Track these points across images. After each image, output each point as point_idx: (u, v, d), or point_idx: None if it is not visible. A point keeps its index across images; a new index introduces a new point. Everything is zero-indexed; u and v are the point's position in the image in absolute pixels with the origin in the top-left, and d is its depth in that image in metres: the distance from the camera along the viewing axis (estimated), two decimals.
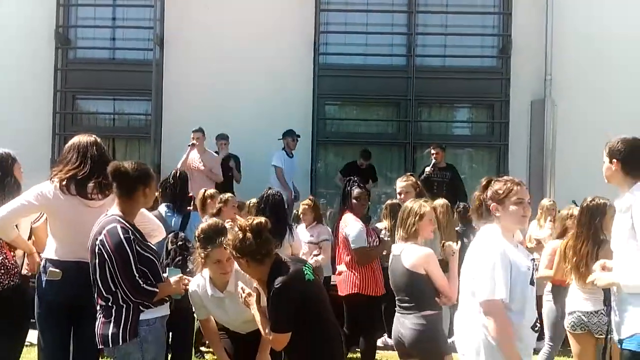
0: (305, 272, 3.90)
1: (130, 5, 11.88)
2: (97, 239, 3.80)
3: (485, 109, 12.14)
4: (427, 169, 9.80)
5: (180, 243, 5.61)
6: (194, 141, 9.68)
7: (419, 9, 11.58)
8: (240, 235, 3.86)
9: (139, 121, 11.97)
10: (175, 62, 11.31)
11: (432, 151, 9.95)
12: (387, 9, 11.86)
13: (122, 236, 3.76)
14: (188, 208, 7.08)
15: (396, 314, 4.71)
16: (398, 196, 6.85)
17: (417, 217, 4.69)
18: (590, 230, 5.37)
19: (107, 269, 3.78)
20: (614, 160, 3.90)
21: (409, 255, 4.62)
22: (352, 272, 6.19)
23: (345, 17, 11.88)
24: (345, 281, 6.24)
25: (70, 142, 4.45)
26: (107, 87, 11.47)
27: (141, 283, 3.77)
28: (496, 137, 11.68)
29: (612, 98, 10.98)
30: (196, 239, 4.20)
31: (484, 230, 3.66)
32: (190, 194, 7.30)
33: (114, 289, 3.79)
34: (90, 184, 4.28)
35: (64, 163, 4.36)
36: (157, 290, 3.85)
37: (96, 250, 3.80)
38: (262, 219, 3.98)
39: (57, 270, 4.25)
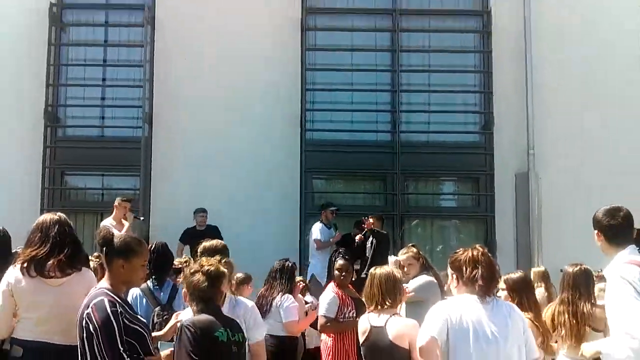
0: (219, 331, 3.83)
1: (119, 85, 12.09)
2: (84, 313, 3.74)
3: (471, 181, 12.32)
4: (356, 238, 10.26)
5: (165, 317, 5.56)
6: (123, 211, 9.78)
7: (402, 88, 11.88)
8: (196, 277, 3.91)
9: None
10: (163, 138, 11.48)
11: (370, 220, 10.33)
12: (371, 88, 12.16)
13: (109, 310, 3.70)
14: (177, 279, 7.02)
15: None
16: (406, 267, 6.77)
17: (401, 284, 4.61)
18: (588, 290, 5.33)
19: (94, 343, 3.70)
20: (595, 231, 4.03)
21: (398, 327, 4.42)
22: (325, 342, 6.25)
23: (330, 96, 12.16)
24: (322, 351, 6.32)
25: (35, 222, 4.49)
26: (96, 163, 11.56)
27: (125, 357, 3.68)
28: (482, 209, 11.81)
29: (596, 169, 11.23)
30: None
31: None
32: (177, 265, 7.22)
33: None
34: (49, 262, 4.29)
35: (28, 245, 4.41)
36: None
37: (83, 324, 3.73)
38: (222, 269, 3.99)
39: (19, 347, 4.26)
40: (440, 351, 3.68)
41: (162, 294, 6.38)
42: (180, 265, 7.20)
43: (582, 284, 5.37)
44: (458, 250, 4.00)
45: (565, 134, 11.48)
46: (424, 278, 6.33)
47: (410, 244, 7.29)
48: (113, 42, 12.28)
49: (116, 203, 9.80)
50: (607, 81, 11.58)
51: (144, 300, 5.79)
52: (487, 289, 3.79)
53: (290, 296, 6.85)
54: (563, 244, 10.53)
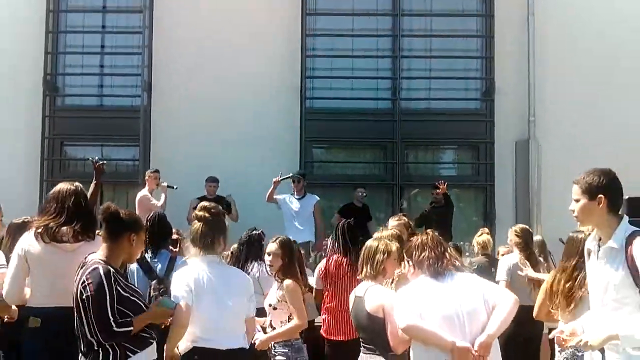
0: None
1: (118, 53, 12.04)
2: (79, 282, 3.82)
3: (471, 150, 12.28)
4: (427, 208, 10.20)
5: (162, 290, 5.58)
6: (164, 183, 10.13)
7: (404, 54, 11.78)
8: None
9: (126, 167, 12.01)
10: (163, 107, 11.42)
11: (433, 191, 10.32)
12: (372, 54, 12.05)
13: (103, 277, 3.78)
14: (174, 250, 7.03)
15: (361, 354, 4.55)
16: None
17: (385, 255, 4.58)
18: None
19: (86, 310, 3.77)
20: (600, 196, 3.53)
21: (373, 297, 4.45)
22: (325, 315, 6.24)
23: (331, 63, 12.06)
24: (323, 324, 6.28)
25: (51, 191, 4.60)
26: (95, 133, 11.54)
27: (113, 325, 3.74)
28: (482, 178, 11.79)
29: (596, 136, 11.17)
30: None
31: None
32: (175, 236, 7.23)
33: (95, 333, 3.77)
34: (64, 229, 4.38)
35: (44, 213, 4.52)
36: (131, 327, 3.80)
37: (78, 293, 3.81)
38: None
39: (37, 318, 4.34)
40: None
41: (159, 266, 6.39)
42: (175, 237, 7.22)
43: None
44: (411, 239, 4.39)
45: (567, 101, 11.37)
46: None
47: (401, 213, 7.36)
48: (112, 8, 12.16)
49: (146, 177, 10.17)
50: (612, 47, 11.42)
51: (140, 273, 5.78)
52: (436, 269, 4.09)
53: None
54: (562, 213, 10.47)
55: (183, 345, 4.15)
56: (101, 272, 3.79)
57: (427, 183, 11.23)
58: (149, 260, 6.34)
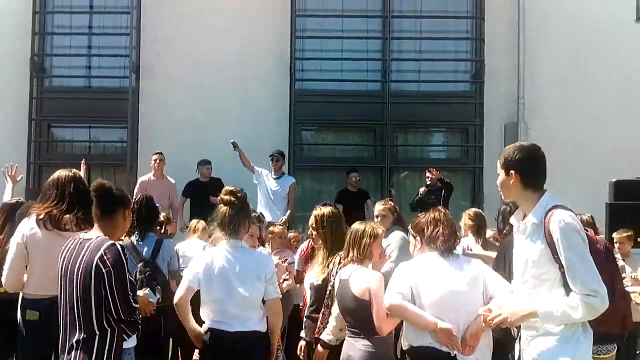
0: None
1: (106, 33, 11.93)
2: (94, 258, 3.71)
3: (460, 132, 12.27)
4: (421, 191, 10.03)
5: (148, 272, 5.56)
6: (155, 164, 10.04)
7: (393, 35, 11.72)
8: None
9: (114, 148, 11.92)
10: (151, 89, 11.36)
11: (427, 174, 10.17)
12: (361, 36, 12.00)
13: (121, 252, 3.76)
14: (161, 231, 7.02)
15: (346, 337, 4.51)
16: (375, 219, 6.82)
17: (371, 239, 4.54)
18: None
19: (105, 284, 3.69)
20: (512, 171, 3.47)
21: (359, 280, 4.41)
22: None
23: (320, 44, 11.99)
24: None
25: (50, 178, 4.61)
26: (83, 115, 11.46)
27: (132, 302, 3.78)
28: (471, 160, 11.79)
29: (585, 119, 11.19)
30: None
31: None
32: (162, 219, 7.20)
33: (103, 314, 3.71)
34: (66, 217, 4.39)
35: (44, 200, 4.52)
36: (138, 305, 3.90)
37: (92, 270, 3.69)
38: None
39: (35, 312, 4.39)
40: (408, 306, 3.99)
41: (145, 248, 6.36)
42: (162, 220, 7.20)
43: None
44: (419, 215, 4.37)
45: (557, 83, 11.38)
46: (399, 235, 6.42)
47: (388, 198, 7.38)
48: None
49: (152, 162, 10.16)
50: (601, 29, 11.40)
51: (127, 255, 5.76)
52: (448, 246, 4.10)
53: (267, 249, 6.55)
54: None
55: (205, 325, 4.35)
56: (118, 246, 3.77)
57: (417, 166, 11.26)
58: (135, 243, 6.33)
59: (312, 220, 5.31)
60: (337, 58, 11.88)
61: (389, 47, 11.64)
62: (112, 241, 3.81)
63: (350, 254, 4.56)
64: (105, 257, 3.70)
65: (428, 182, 10.16)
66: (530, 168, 3.48)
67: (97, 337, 3.72)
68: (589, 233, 3.54)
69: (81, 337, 3.73)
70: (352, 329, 4.47)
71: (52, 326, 4.19)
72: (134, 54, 11.34)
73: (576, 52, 11.38)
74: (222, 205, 4.42)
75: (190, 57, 11.29)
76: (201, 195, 9.76)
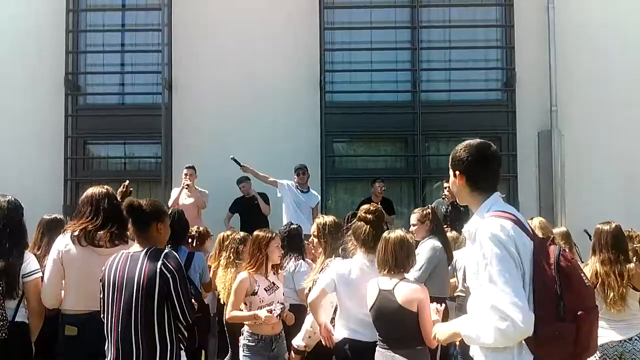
0: None
1: (138, 50, 12.10)
2: (156, 265, 3.82)
3: (492, 141, 12.06)
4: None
5: None
6: (187, 180, 10.09)
7: (422, 46, 11.71)
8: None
9: (149, 164, 12.06)
10: (184, 104, 11.48)
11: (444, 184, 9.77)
12: (390, 47, 11.99)
13: (180, 260, 3.93)
14: (193, 244, 7.11)
15: (379, 349, 4.46)
16: (412, 227, 6.75)
17: (411, 249, 4.53)
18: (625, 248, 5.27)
19: (170, 288, 3.81)
20: (457, 172, 3.14)
21: (406, 291, 4.39)
22: None
23: (350, 56, 12.04)
24: None
25: (83, 195, 4.68)
26: (117, 131, 11.61)
27: (194, 306, 3.96)
28: (504, 169, 11.67)
29: (618, 126, 11.05)
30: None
31: None
32: (192, 233, 7.29)
33: (165, 321, 3.82)
34: (101, 233, 4.46)
35: (79, 217, 4.59)
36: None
37: (157, 276, 3.80)
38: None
39: (73, 327, 4.42)
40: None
41: None
42: (193, 234, 7.28)
43: (621, 241, 5.30)
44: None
45: (589, 90, 11.26)
46: (429, 244, 6.40)
47: (427, 206, 7.23)
48: (131, 6, 12.23)
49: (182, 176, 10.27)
50: (633, 35, 11.29)
51: None
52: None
53: (305, 263, 6.51)
54: (586, 203, 10.46)
55: (339, 334, 4.67)
56: (175, 254, 3.94)
57: (449, 176, 11.14)
58: None
59: (313, 229, 5.51)
60: (366, 70, 11.89)
61: (419, 57, 11.62)
62: (167, 249, 3.92)
63: (401, 266, 4.49)
64: (168, 263, 3.84)
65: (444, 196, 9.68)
66: (476, 168, 3.10)
67: (157, 348, 3.81)
68: (550, 248, 2.96)
69: (140, 349, 3.81)
70: (388, 340, 4.45)
71: (90, 341, 4.28)
72: (166, 70, 11.48)
73: (608, 58, 11.26)
74: (363, 222, 4.76)
75: (220, 72, 11.39)
76: (248, 210, 10.26)
